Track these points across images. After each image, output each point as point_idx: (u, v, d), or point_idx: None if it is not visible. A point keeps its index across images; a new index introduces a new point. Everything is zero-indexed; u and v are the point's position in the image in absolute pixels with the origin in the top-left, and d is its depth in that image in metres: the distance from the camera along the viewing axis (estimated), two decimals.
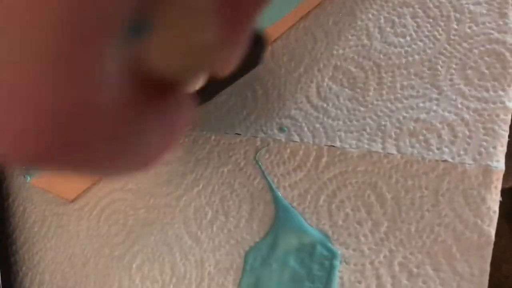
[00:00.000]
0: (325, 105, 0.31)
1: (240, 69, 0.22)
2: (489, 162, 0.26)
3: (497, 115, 0.27)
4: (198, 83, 0.17)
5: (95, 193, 0.35)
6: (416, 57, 0.30)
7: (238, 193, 0.31)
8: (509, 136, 0.27)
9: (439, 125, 0.28)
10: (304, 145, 0.30)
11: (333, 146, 0.30)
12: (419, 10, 0.31)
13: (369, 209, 0.28)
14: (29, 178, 0.31)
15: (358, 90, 0.31)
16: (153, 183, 0.33)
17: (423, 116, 0.28)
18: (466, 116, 0.28)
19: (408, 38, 0.31)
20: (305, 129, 0.31)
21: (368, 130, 0.29)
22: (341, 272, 0.27)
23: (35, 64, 0.10)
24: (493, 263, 0.25)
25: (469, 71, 0.29)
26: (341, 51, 0.32)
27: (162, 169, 0.34)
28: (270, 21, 0.34)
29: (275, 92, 0.33)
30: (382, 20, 0.32)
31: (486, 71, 0.28)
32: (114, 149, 0.13)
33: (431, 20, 0.31)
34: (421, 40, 0.31)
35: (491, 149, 0.26)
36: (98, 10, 0.10)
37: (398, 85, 0.30)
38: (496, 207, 0.25)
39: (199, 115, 0.34)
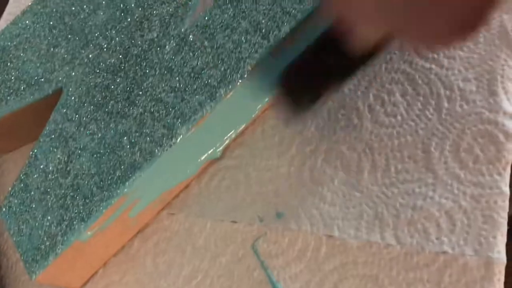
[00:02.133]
0: (320, 188, 0.31)
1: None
2: (490, 253, 0.26)
3: (495, 202, 0.27)
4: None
5: (93, 286, 0.34)
6: (409, 138, 0.30)
7: (237, 286, 0.30)
8: None
9: (437, 213, 0.28)
10: (302, 233, 0.30)
11: (332, 236, 0.29)
12: (409, 87, 0.31)
13: None
14: (34, 276, 0.31)
15: (353, 173, 0.30)
16: (151, 274, 0.33)
17: (420, 203, 0.28)
18: (464, 203, 0.27)
19: (399, 117, 0.31)
20: (302, 215, 0.30)
21: (365, 217, 0.29)
22: None
23: None
24: None
25: (463, 154, 0.28)
26: (331, 132, 0.32)
27: (159, 259, 0.33)
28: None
29: (268, 174, 0.32)
30: (371, 98, 0.32)
31: (480, 154, 0.28)
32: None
33: (421, 98, 0.31)
34: (412, 120, 0.30)
35: (491, 239, 0.26)
36: None
37: (392, 169, 0.30)
38: None
39: (193, 200, 0.34)
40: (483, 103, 0.29)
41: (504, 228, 0.26)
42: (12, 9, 0.50)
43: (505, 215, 0.26)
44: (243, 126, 0.34)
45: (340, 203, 0.30)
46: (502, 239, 0.26)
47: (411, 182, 0.29)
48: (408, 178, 0.29)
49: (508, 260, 0.26)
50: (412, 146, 0.30)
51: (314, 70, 0.27)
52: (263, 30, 0.32)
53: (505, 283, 0.26)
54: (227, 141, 0.34)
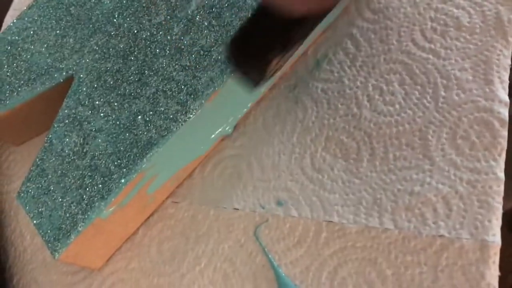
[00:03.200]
0: (320, 176, 0.31)
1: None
2: (486, 237, 0.27)
3: (490, 187, 0.27)
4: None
5: (99, 273, 0.35)
6: (407, 126, 0.31)
7: (240, 271, 0.31)
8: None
9: (434, 198, 0.28)
10: (303, 220, 0.31)
11: (331, 221, 0.30)
12: (407, 77, 0.32)
13: (371, 286, 0.28)
14: (57, 255, 0.31)
15: (352, 161, 0.31)
16: (156, 261, 0.34)
17: (417, 188, 0.29)
18: (460, 188, 0.28)
19: (397, 106, 0.31)
20: (303, 202, 0.31)
21: (364, 204, 0.30)
22: None
23: None
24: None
25: (459, 141, 0.29)
26: (331, 121, 0.33)
27: (163, 246, 0.34)
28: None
29: (270, 163, 0.33)
30: (370, 88, 0.32)
31: (477, 140, 0.29)
32: None
33: (418, 87, 0.31)
34: (410, 108, 0.31)
35: (487, 223, 0.27)
36: None
37: (390, 156, 0.30)
38: (496, 283, 0.26)
39: (196, 189, 0.35)
40: (479, 92, 0.30)
41: (499, 212, 0.27)
42: (18, 5, 0.51)
43: (500, 199, 0.27)
44: (252, 102, 0.35)
45: (340, 190, 0.31)
46: (497, 223, 0.27)
47: (408, 169, 0.30)
48: (406, 165, 0.30)
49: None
50: (410, 134, 0.30)
51: (256, 39, 0.27)
52: None
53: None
54: (238, 117, 0.35)
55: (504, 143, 0.28)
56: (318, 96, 0.34)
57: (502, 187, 0.27)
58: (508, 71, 0.30)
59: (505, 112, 0.29)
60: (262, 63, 0.28)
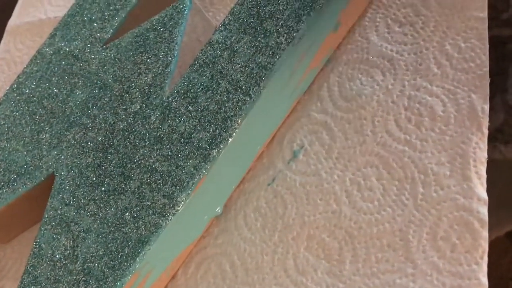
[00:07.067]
0: (304, 280, 0.31)
1: None
2: None
3: None
4: None
5: None
6: (387, 225, 0.30)
7: None
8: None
9: None
10: None
11: None
12: (384, 171, 0.31)
13: None
14: None
15: (335, 263, 0.31)
16: None
17: None
18: None
19: (376, 203, 0.31)
20: None
21: None
22: None
23: None
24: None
25: (440, 242, 0.29)
26: (312, 218, 0.32)
27: None
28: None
29: (253, 263, 0.33)
30: (348, 183, 0.32)
31: (457, 242, 0.28)
32: None
33: (396, 182, 0.31)
34: (389, 206, 0.30)
35: None
36: None
37: (373, 258, 0.30)
38: None
39: None
40: (457, 189, 0.29)
41: None
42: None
43: None
44: (240, 180, 0.35)
45: None
46: None
47: (391, 273, 0.29)
48: (389, 268, 0.29)
49: None
50: (390, 234, 0.30)
51: None
52: (243, 87, 0.33)
53: None
54: (227, 196, 0.35)
55: (485, 245, 0.28)
56: (297, 191, 0.33)
57: None
58: (485, 164, 0.29)
59: (484, 211, 0.28)
60: None
